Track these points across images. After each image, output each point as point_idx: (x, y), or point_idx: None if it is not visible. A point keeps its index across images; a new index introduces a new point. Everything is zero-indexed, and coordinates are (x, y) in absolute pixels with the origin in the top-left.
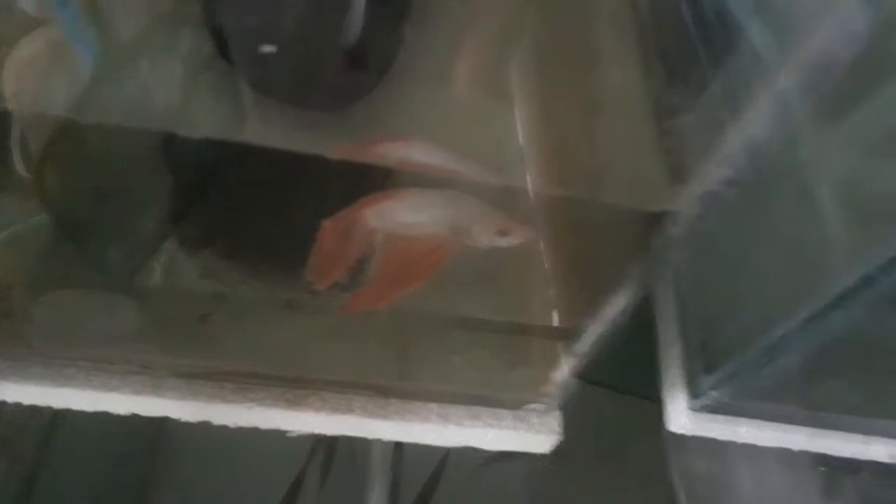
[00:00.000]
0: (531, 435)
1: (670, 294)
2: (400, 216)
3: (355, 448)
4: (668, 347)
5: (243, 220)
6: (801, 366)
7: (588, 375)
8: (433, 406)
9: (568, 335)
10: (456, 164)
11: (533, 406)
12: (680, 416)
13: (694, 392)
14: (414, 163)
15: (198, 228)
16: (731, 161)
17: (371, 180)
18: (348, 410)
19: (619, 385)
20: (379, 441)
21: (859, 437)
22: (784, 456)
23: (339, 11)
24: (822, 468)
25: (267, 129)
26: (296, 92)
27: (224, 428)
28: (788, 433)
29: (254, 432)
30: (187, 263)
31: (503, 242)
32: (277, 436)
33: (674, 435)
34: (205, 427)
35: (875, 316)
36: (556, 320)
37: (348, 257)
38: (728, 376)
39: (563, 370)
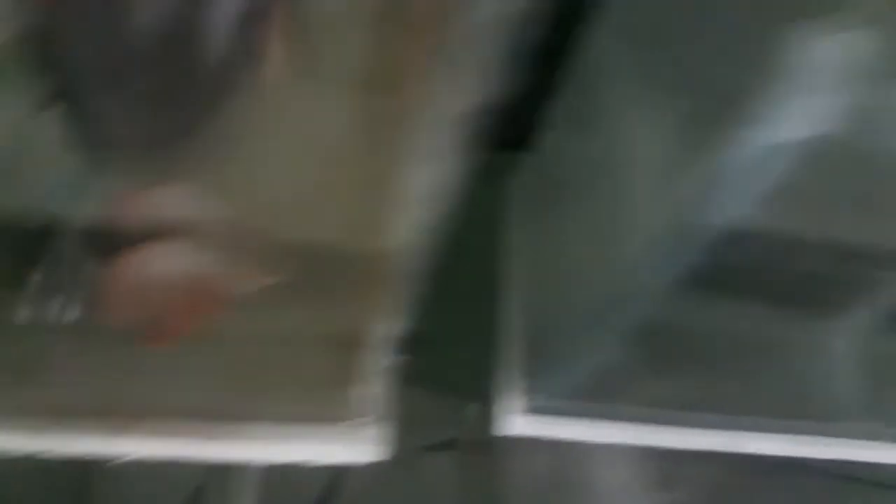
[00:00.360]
0: (357, 446)
1: (505, 299)
2: (168, 261)
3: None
4: (502, 352)
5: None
6: (630, 363)
7: (420, 382)
8: (258, 425)
9: (389, 346)
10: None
11: (358, 418)
12: (514, 419)
13: (527, 394)
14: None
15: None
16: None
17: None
18: (176, 435)
19: (455, 390)
20: None
21: (692, 430)
22: (621, 451)
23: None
24: (662, 460)
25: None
26: (138, 134)
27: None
28: (621, 429)
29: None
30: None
31: (248, 288)
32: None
33: (509, 437)
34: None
35: (682, 306)
36: (377, 332)
37: (136, 295)
38: (558, 377)
39: (389, 381)
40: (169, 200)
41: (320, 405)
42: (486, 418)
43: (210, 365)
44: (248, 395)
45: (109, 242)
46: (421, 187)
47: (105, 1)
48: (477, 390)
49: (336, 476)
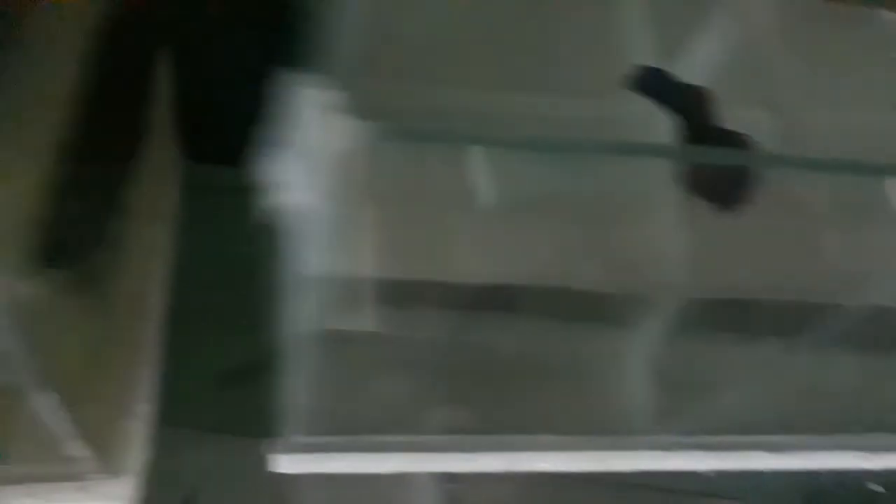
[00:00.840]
0: (112, 501)
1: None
2: None
3: None
4: (276, 387)
5: None
6: (404, 390)
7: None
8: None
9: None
10: None
11: (99, 474)
12: (282, 457)
13: (293, 432)
14: None
15: None
16: None
17: None
18: None
19: (233, 431)
20: None
21: (478, 454)
22: (412, 476)
23: None
24: (453, 483)
25: None
26: None
27: None
28: (391, 460)
29: None
30: None
31: None
32: None
33: (281, 475)
34: None
35: (461, 330)
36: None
37: None
38: (327, 410)
39: (138, 433)
40: None
41: (57, 463)
42: (262, 457)
43: None
44: None
45: None
46: None
47: None
48: (256, 429)
49: None
